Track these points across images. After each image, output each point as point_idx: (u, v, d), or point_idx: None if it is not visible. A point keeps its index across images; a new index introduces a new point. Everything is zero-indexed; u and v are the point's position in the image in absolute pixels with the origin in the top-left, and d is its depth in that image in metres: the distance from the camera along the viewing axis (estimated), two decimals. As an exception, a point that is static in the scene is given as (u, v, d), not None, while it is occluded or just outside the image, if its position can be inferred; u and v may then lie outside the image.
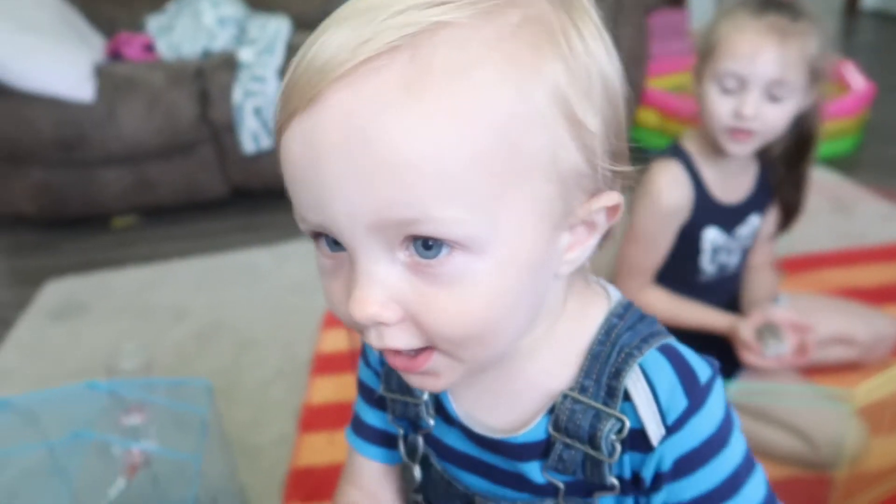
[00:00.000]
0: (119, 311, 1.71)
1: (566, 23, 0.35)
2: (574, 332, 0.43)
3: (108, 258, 1.99)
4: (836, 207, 1.84)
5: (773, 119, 0.95)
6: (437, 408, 0.47)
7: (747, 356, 1.02)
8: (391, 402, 0.49)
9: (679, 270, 1.10)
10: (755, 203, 1.10)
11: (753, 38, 0.92)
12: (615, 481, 0.41)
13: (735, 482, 0.40)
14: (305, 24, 2.27)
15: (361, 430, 0.54)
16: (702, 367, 0.41)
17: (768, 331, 1.01)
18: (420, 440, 0.49)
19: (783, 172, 1.08)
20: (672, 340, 0.43)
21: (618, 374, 0.40)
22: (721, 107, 0.96)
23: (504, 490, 0.45)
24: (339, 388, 1.33)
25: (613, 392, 0.40)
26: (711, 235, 1.08)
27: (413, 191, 0.31)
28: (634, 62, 2.21)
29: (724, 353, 1.05)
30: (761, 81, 0.92)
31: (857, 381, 0.91)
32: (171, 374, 1.42)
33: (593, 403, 0.40)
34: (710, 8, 0.97)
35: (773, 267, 1.20)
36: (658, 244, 1.07)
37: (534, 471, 0.43)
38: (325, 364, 1.41)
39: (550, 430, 0.42)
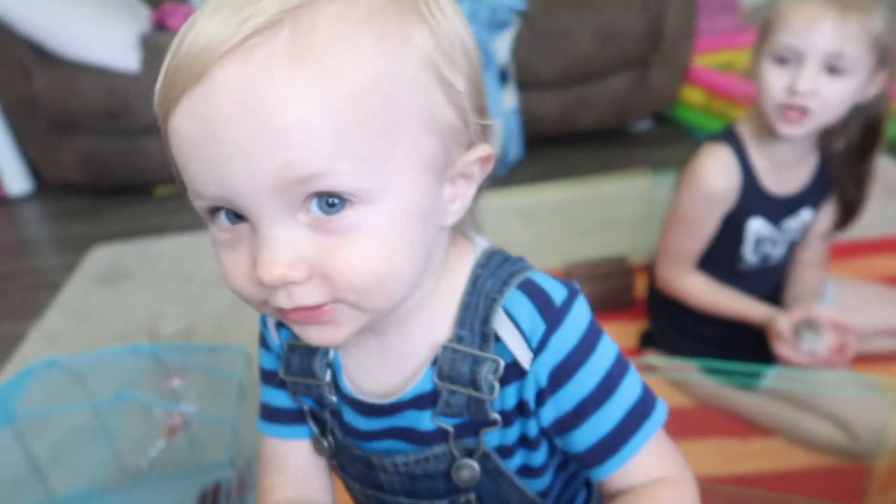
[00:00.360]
0: (160, 278, 1.76)
1: (415, 3, 0.38)
2: (451, 285, 0.46)
3: (151, 226, 2.03)
4: (885, 192, 1.77)
5: (830, 95, 0.90)
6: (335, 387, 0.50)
7: (780, 348, 0.98)
8: (292, 385, 0.52)
9: (720, 257, 1.08)
10: (809, 197, 1.06)
11: (811, 9, 0.88)
12: (497, 416, 0.46)
13: (610, 383, 0.45)
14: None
15: (276, 416, 0.55)
16: (557, 291, 0.45)
17: (807, 326, 0.97)
18: (328, 414, 0.51)
19: (844, 167, 1.03)
20: (532, 273, 0.46)
21: (486, 320, 0.45)
22: (774, 81, 0.92)
23: (398, 445, 0.49)
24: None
25: (486, 337, 0.45)
26: (756, 226, 1.05)
27: (308, 149, 0.34)
28: (680, 39, 2.15)
29: (759, 344, 1.03)
30: (818, 54, 0.88)
31: (902, 372, 0.89)
32: (210, 340, 1.46)
33: (470, 350, 0.45)
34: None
35: (823, 265, 1.16)
36: (700, 230, 1.05)
37: (424, 420, 0.47)
38: (360, 336, 1.43)
39: (436, 379, 0.45)
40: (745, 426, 1.10)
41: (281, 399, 0.54)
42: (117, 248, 1.91)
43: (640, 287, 1.35)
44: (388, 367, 0.48)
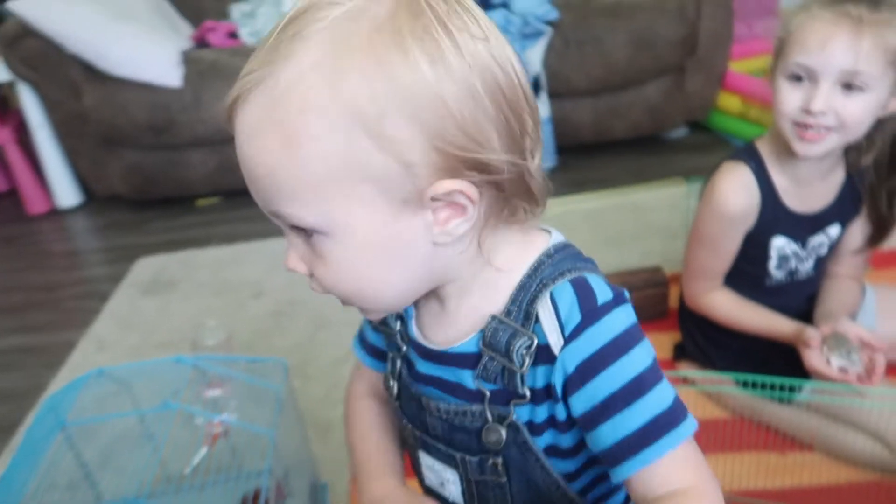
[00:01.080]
0: (203, 288, 1.81)
1: (386, 47, 0.40)
2: (513, 268, 0.51)
3: (194, 237, 2.09)
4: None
5: (849, 113, 0.88)
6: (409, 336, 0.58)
7: (810, 359, 0.95)
8: (381, 332, 0.61)
9: (745, 273, 1.07)
10: (835, 214, 1.04)
11: (824, 27, 0.87)
12: (527, 392, 0.50)
13: (639, 386, 0.47)
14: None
15: (366, 345, 0.66)
16: (603, 292, 0.48)
17: (836, 341, 0.94)
18: (398, 360, 0.59)
19: (874, 182, 1.01)
20: (589, 274, 0.49)
21: (533, 300, 0.49)
22: (789, 99, 0.91)
23: (444, 395, 0.55)
24: (407, 370, 1.36)
25: (529, 315, 0.49)
26: (780, 244, 1.03)
27: (268, 194, 0.44)
28: (716, 44, 2.13)
29: (791, 358, 1.01)
30: (832, 73, 0.87)
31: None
32: (250, 348, 1.50)
33: (513, 324, 0.49)
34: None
35: (858, 279, 1.13)
36: (722, 249, 1.04)
37: (466, 379, 0.52)
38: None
39: (480, 345, 0.51)
40: (783, 440, 1.09)
41: (370, 335, 0.64)
42: (161, 259, 1.98)
43: (675, 298, 1.34)
44: (446, 326, 0.54)
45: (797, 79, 0.91)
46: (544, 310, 0.48)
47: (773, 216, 1.01)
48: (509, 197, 0.47)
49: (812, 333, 0.96)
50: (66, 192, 2.37)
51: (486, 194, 0.46)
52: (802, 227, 1.03)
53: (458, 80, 0.41)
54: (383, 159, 0.42)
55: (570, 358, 0.47)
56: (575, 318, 0.47)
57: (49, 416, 0.91)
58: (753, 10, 2.43)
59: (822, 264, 1.10)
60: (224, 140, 2.13)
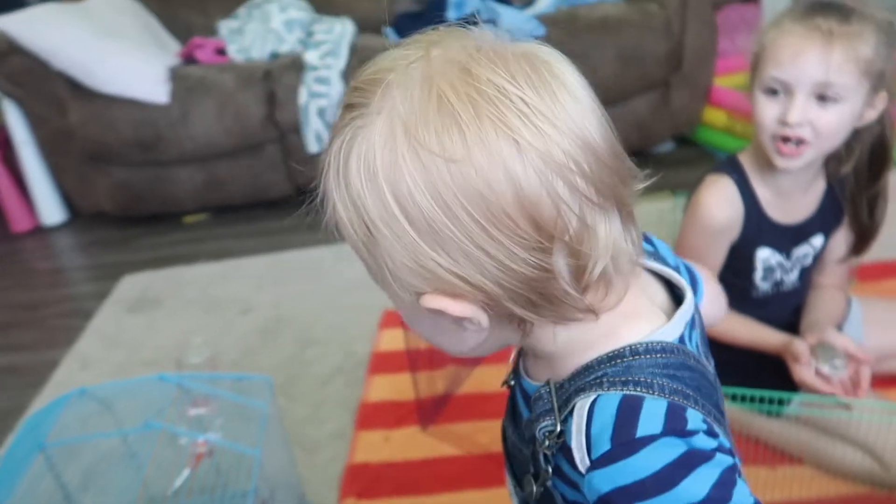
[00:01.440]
0: (189, 305, 1.79)
1: (357, 172, 0.41)
2: (595, 345, 0.45)
3: (180, 254, 2.08)
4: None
5: (825, 124, 0.89)
6: None
7: (798, 371, 0.95)
8: None
9: (731, 285, 1.05)
10: (818, 224, 1.04)
11: (796, 41, 0.88)
12: (550, 469, 0.46)
13: None
14: (369, 26, 2.30)
15: None
16: (650, 423, 0.41)
17: (822, 349, 0.94)
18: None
19: (855, 191, 1.02)
20: (652, 400, 0.42)
21: (579, 391, 0.44)
22: (766, 113, 0.92)
23: (517, 422, 0.54)
24: (395, 387, 1.35)
25: (568, 402, 0.45)
26: (764, 255, 1.04)
27: None
28: (701, 60, 2.15)
29: (780, 370, 1.00)
30: (806, 85, 0.88)
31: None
32: (236, 366, 1.48)
33: (553, 401, 0.46)
34: (784, 1, 0.94)
35: (843, 289, 1.14)
36: (707, 261, 1.04)
37: (526, 416, 0.51)
38: (382, 363, 1.44)
39: (532, 398, 0.48)
40: (773, 453, 1.08)
41: None
42: (148, 276, 1.96)
43: (663, 311, 1.34)
44: (531, 361, 0.53)
45: (773, 92, 0.92)
46: (579, 414, 0.43)
47: (757, 228, 1.02)
48: (522, 314, 0.43)
49: (800, 346, 0.96)
50: (50, 210, 2.35)
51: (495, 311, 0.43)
52: (786, 238, 1.04)
53: (416, 210, 0.40)
54: (378, 269, 0.44)
55: (598, 483, 0.42)
56: (603, 444, 0.41)
57: (29, 437, 0.90)
58: (737, 25, 2.46)
59: (806, 275, 1.10)
60: (211, 156, 2.12)
